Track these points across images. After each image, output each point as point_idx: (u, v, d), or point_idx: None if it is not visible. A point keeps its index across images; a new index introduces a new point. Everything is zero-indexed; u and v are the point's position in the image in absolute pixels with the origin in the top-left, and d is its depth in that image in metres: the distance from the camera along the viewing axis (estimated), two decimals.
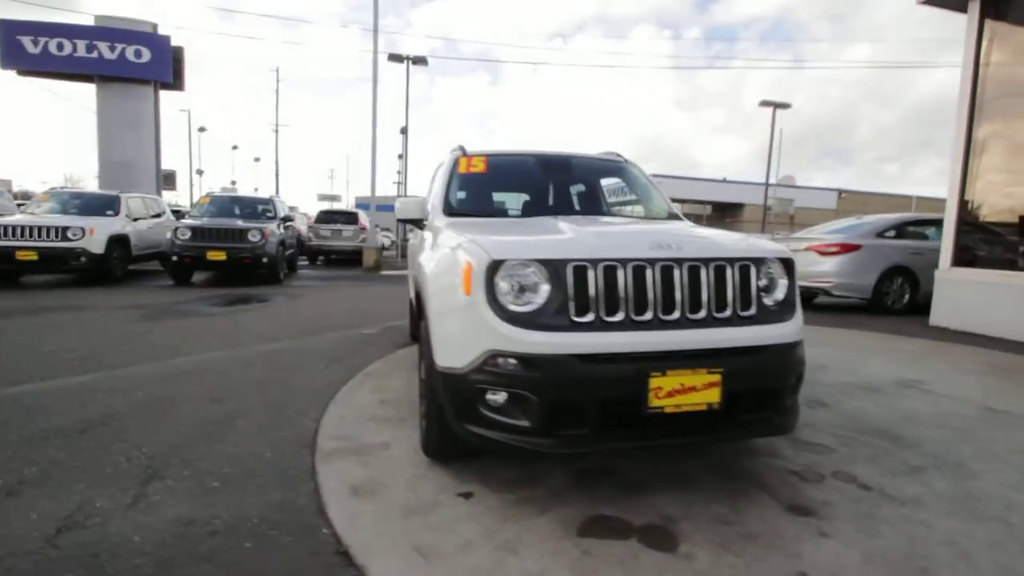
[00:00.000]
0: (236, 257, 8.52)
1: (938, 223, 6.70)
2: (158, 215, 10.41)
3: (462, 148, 3.34)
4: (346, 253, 14.03)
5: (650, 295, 1.87)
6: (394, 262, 15.48)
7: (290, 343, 4.70)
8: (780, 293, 2.08)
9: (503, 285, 1.85)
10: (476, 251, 1.91)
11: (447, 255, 2.17)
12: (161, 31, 19.16)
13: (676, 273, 1.89)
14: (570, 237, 2.08)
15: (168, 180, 24.88)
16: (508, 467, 2.20)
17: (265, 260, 8.75)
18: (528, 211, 3.14)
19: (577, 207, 3.24)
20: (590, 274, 1.84)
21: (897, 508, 1.96)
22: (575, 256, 1.86)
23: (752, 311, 1.98)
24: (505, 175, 3.26)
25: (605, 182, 3.44)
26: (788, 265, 2.11)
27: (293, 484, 2.09)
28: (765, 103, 25.34)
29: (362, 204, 26.10)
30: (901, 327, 5.90)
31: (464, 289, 1.91)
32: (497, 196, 3.41)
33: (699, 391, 1.82)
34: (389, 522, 1.83)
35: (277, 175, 34.33)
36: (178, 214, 12.46)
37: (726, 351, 1.88)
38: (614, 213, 3.25)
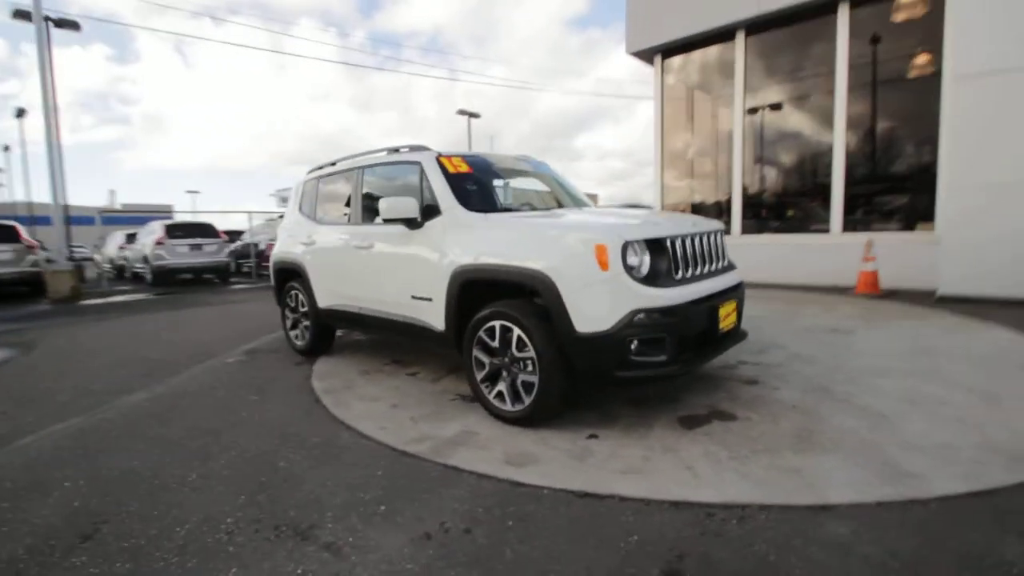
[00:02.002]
0: None
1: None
2: None
3: (428, 148, 3.44)
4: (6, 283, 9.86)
5: (700, 255, 2.75)
6: (103, 287, 11.67)
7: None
8: (727, 249, 3.26)
9: (632, 260, 2.41)
10: (609, 235, 2.38)
11: (560, 241, 2.51)
12: None
13: (706, 240, 2.82)
14: (648, 222, 2.72)
15: None
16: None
17: None
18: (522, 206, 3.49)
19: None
20: (676, 245, 2.59)
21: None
22: (665, 234, 2.56)
23: (727, 262, 3.09)
24: (484, 175, 3.51)
25: (546, 180, 4.02)
26: (723, 232, 3.30)
27: None
28: (462, 112, 28.90)
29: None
30: None
31: (601, 266, 2.37)
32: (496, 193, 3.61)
33: (731, 315, 2.80)
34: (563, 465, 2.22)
35: None
36: None
37: (733, 288, 2.92)
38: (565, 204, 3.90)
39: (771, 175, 8.07)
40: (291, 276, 4.46)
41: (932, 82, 6.23)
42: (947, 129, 5.96)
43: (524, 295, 2.78)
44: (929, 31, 6.23)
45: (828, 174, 7.02)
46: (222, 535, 1.83)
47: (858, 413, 2.65)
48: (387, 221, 3.17)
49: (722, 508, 1.88)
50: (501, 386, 2.72)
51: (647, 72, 8.83)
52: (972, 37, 5.32)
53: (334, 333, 4.44)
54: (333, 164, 4.29)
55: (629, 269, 2.38)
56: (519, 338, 2.58)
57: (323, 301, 4.04)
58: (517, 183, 3.82)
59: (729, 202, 8.03)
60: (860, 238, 6.52)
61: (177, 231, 12.26)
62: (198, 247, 12.30)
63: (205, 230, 12.75)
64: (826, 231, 7.08)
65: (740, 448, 2.32)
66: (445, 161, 3.27)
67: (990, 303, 5.21)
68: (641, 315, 2.36)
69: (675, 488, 2.02)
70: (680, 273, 2.59)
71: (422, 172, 3.25)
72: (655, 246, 2.52)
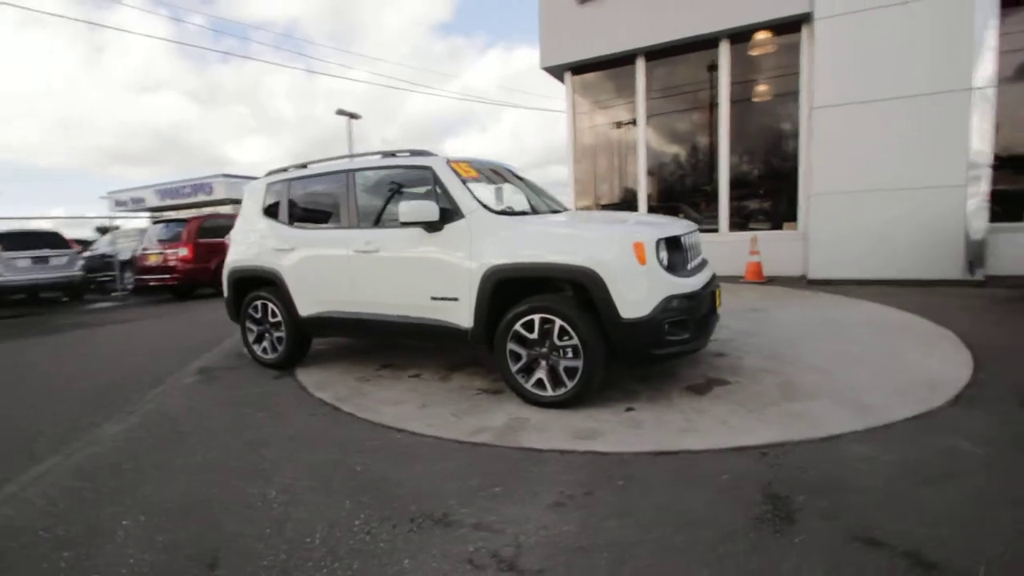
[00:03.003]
0: None
1: None
2: None
3: (431, 153, 3.51)
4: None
5: (694, 250, 3.26)
6: None
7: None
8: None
9: (662, 255, 2.81)
10: (648, 234, 2.77)
11: (604, 240, 2.81)
12: None
13: (694, 237, 3.35)
14: (660, 223, 3.13)
15: None
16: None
17: None
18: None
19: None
20: (683, 241, 3.06)
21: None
22: (677, 233, 3.02)
23: (704, 254, 3.67)
24: (488, 180, 3.66)
25: (530, 186, 4.25)
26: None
27: None
28: (341, 112, 27.60)
29: None
30: None
31: (639, 260, 2.73)
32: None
33: (717, 297, 3.37)
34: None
35: None
36: None
37: (714, 275, 3.48)
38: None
39: (669, 182, 9.21)
40: (257, 285, 4.17)
41: (794, 109, 7.71)
42: (804, 148, 7.44)
43: (554, 290, 3.05)
44: (791, 70, 7.69)
45: (715, 181, 8.26)
46: (363, 535, 1.84)
47: (813, 370, 3.36)
48: (405, 224, 3.21)
49: (769, 447, 2.35)
50: (540, 374, 2.96)
51: (514, 78, 9.52)
52: (824, 78, 6.74)
53: (310, 343, 4.23)
54: (303, 167, 4.11)
55: (660, 262, 2.79)
56: (561, 328, 2.84)
57: (306, 309, 3.86)
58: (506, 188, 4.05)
59: (632, 206, 9.00)
60: (743, 235, 7.81)
61: (13, 241, 10.11)
62: (42, 260, 10.27)
63: (51, 239, 10.69)
64: (716, 230, 8.32)
65: (749, 403, 2.85)
66: (455, 166, 3.40)
67: (847, 283, 6.64)
68: (673, 301, 2.78)
69: (725, 438, 2.46)
70: (688, 265, 3.07)
71: (435, 177, 3.34)
72: (672, 243, 2.96)
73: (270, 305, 4.05)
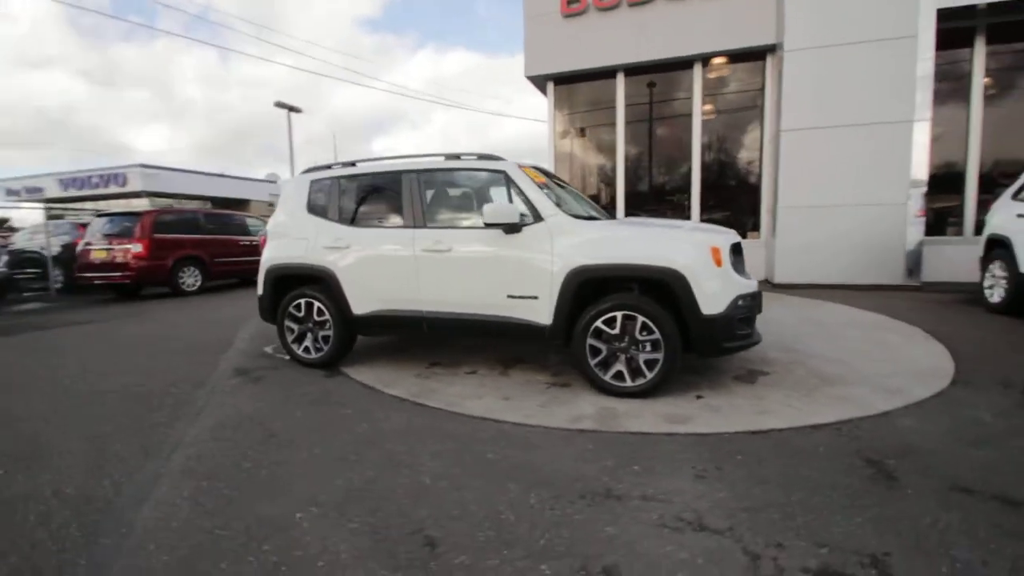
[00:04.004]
0: None
1: None
2: None
3: (500, 157, 3.67)
4: None
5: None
6: None
7: None
8: None
9: (733, 258, 3.18)
10: (721, 240, 3.12)
11: (687, 244, 3.14)
12: None
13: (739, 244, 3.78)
14: (720, 231, 3.49)
15: None
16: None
17: None
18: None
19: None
20: (739, 247, 3.45)
21: None
22: (738, 240, 3.42)
23: None
24: (551, 184, 3.85)
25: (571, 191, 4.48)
26: None
27: None
28: (281, 105, 26.30)
29: None
30: None
31: (716, 263, 3.08)
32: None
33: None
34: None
35: None
36: None
37: None
38: None
39: (639, 190, 9.80)
40: (302, 283, 4.10)
41: (758, 129, 8.54)
42: (767, 165, 8.29)
43: (623, 290, 3.32)
44: (757, 93, 8.52)
45: (689, 191, 8.95)
46: (549, 511, 2.01)
47: (831, 362, 3.88)
48: (489, 225, 3.36)
49: (839, 424, 2.76)
50: (619, 367, 3.22)
51: (443, 78, 9.82)
52: (791, 104, 7.56)
53: (354, 342, 4.22)
54: (352, 164, 4.11)
55: (731, 264, 3.15)
56: (643, 324, 3.13)
57: (362, 308, 3.87)
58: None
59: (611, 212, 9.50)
60: None
61: None
62: None
63: None
64: None
65: (798, 389, 3.28)
66: (527, 171, 3.59)
67: (808, 287, 7.48)
68: (740, 300, 3.15)
69: (798, 418, 2.85)
70: (744, 268, 3.47)
71: (509, 180, 3.51)
72: (735, 248, 3.34)
73: (316, 304, 4.01)
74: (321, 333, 4.05)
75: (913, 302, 6.28)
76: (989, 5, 6.79)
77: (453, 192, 3.82)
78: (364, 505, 2.09)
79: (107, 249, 9.28)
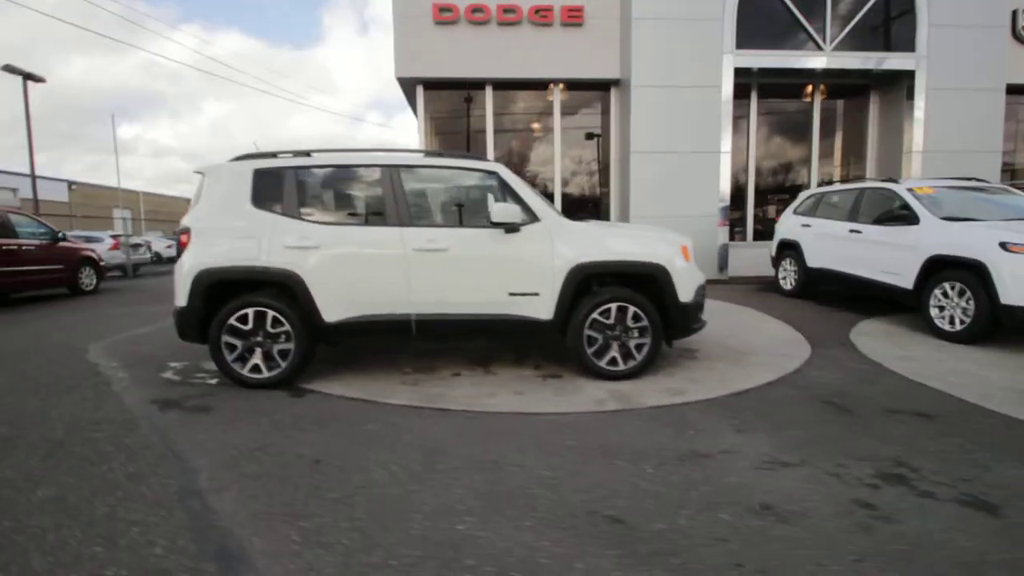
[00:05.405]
0: None
1: None
2: None
3: (485, 157, 3.68)
4: None
5: None
6: None
7: None
8: None
9: (693, 255, 3.83)
10: (686, 239, 3.73)
11: (666, 243, 3.66)
12: None
13: None
14: (675, 233, 4.10)
15: None
16: None
17: None
18: None
19: None
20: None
21: None
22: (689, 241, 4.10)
23: None
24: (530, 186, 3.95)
25: None
26: None
27: None
28: (11, 69, 19.76)
29: None
30: None
31: (685, 258, 3.68)
32: None
33: None
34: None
35: None
36: None
37: None
38: None
39: None
40: (249, 290, 3.47)
41: (606, 147, 9.88)
42: (614, 178, 9.70)
43: (619, 283, 3.72)
44: (603, 119, 9.85)
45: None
46: (671, 475, 2.26)
47: (729, 338, 4.89)
48: (494, 224, 3.40)
49: (779, 380, 3.60)
50: (612, 353, 3.60)
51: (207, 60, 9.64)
52: (638, 130, 8.98)
53: (314, 355, 3.72)
54: (307, 155, 3.65)
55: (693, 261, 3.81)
56: (634, 313, 3.57)
57: (335, 314, 3.48)
58: None
59: None
60: None
61: None
62: None
63: None
64: None
65: (728, 361, 4.12)
66: (513, 172, 3.72)
67: None
68: (702, 288, 3.83)
69: (753, 379, 3.62)
70: None
71: (502, 181, 3.60)
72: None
73: (270, 313, 3.45)
74: (277, 347, 3.49)
75: (732, 292, 8.10)
76: (759, 69, 9.18)
77: (439, 191, 3.71)
78: (511, 505, 2.04)
79: None
